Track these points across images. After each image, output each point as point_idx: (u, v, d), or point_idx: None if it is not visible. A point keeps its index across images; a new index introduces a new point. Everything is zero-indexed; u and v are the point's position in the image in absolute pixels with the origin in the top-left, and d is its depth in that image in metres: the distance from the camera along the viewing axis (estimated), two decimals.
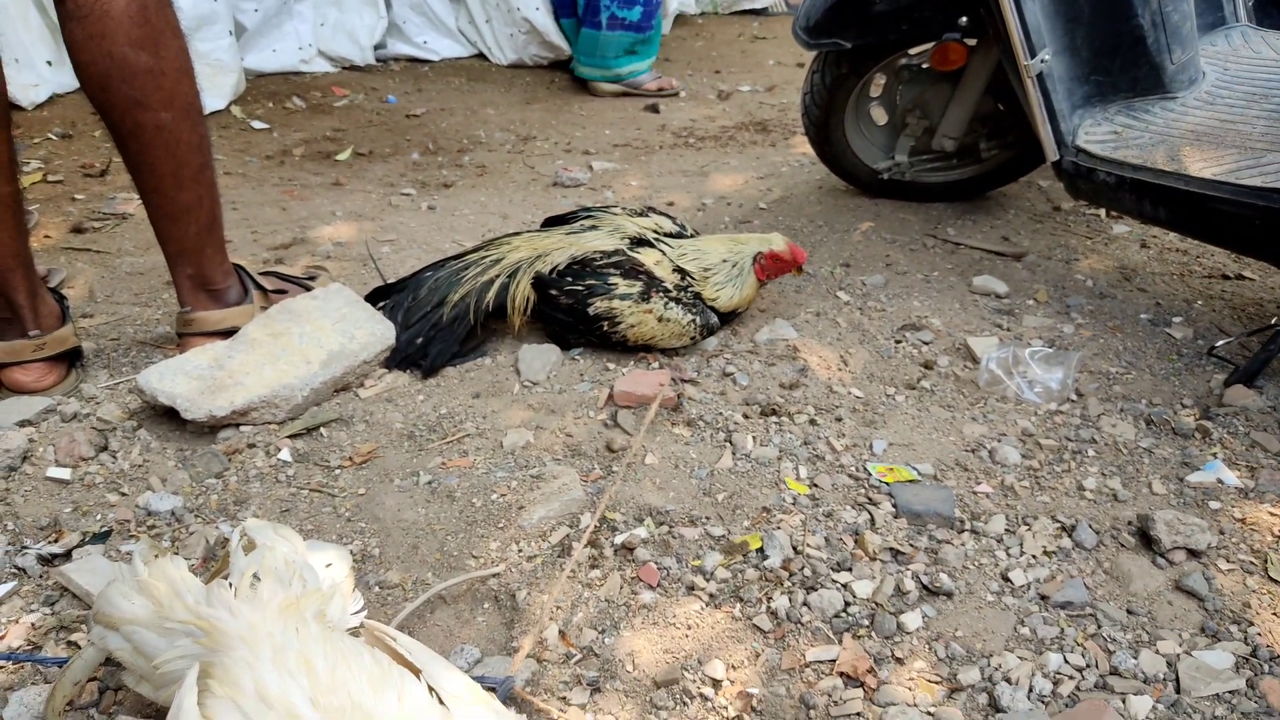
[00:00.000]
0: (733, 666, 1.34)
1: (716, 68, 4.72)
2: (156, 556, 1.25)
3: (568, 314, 2.08)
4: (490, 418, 1.90)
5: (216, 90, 3.76)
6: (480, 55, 4.77)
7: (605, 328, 2.06)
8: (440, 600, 1.46)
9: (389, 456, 1.80)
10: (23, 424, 1.82)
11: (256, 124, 3.73)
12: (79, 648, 1.35)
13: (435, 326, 2.09)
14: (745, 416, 1.88)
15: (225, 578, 1.22)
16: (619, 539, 1.56)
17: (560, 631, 1.40)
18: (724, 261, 2.13)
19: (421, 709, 1.01)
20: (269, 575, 1.18)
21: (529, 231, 2.29)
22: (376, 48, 4.57)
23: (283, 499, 1.68)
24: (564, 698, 1.29)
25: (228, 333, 2.03)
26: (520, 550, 1.55)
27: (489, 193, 3.19)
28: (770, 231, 2.39)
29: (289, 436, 1.84)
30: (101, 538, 1.57)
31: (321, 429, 1.87)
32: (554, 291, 2.08)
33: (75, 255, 2.61)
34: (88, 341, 2.13)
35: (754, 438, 1.81)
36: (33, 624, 1.40)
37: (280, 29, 4.25)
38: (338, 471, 1.76)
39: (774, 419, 1.87)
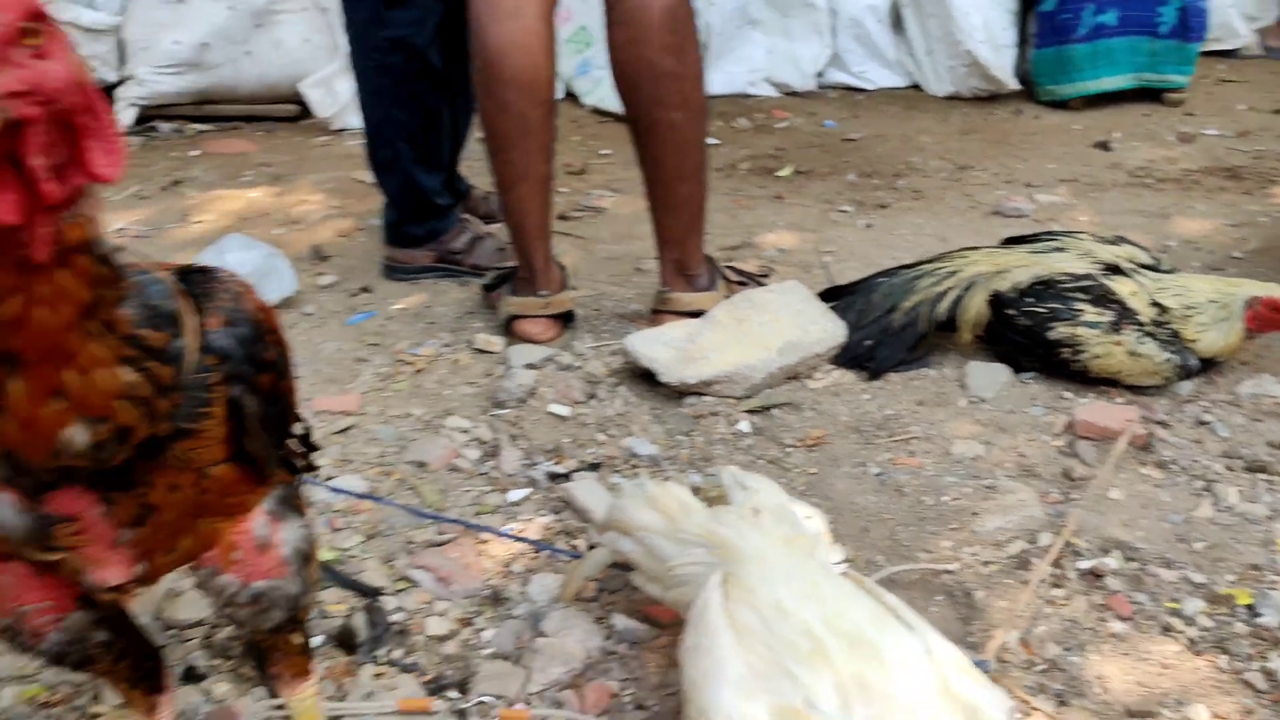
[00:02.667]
0: (1219, 716, 1.25)
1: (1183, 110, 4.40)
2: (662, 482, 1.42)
3: (1024, 335, 2.05)
4: (936, 425, 1.93)
5: None
6: (915, 86, 4.81)
7: (1065, 354, 2.00)
8: (891, 583, 1.51)
9: (837, 444, 1.88)
10: (529, 366, 2.13)
11: (709, 140, 4.05)
12: (577, 549, 1.56)
13: (885, 331, 2.15)
14: (1228, 469, 1.75)
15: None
16: (1084, 564, 1.52)
17: (1021, 640, 1.39)
18: (1211, 302, 1.99)
19: (919, 658, 1.06)
20: (767, 511, 1.30)
21: (989, 247, 2.28)
22: (817, 75, 4.76)
23: (742, 464, 1.81)
24: (1026, 701, 1.29)
25: (694, 314, 2.23)
26: (974, 554, 1.57)
27: (925, 216, 3.21)
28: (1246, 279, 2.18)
29: (746, 411, 1.98)
30: (593, 468, 1.80)
31: (774, 410, 2.00)
32: (1011, 311, 2.06)
33: (560, 238, 2.98)
34: (576, 308, 2.43)
35: (1239, 492, 1.68)
36: (544, 525, 1.64)
37: (734, 54, 4.57)
38: (790, 450, 1.87)
39: (1262, 476, 1.72)
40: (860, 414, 1.98)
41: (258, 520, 0.88)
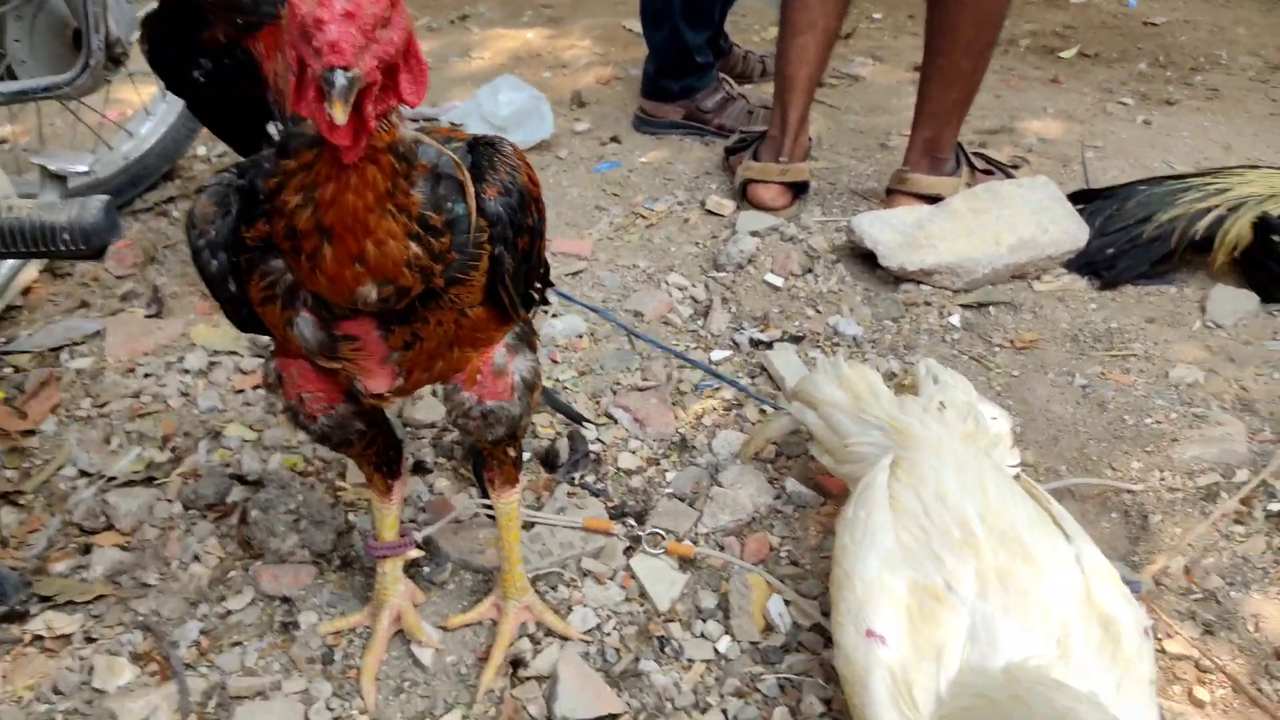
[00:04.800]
0: None
1: None
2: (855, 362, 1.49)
3: None
4: (1161, 346, 1.85)
5: None
6: None
7: None
8: (1068, 494, 1.53)
9: (1048, 351, 1.86)
10: (753, 234, 2.21)
11: None
12: (765, 415, 1.67)
13: (1132, 241, 2.04)
14: None
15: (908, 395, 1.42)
16: (1274, 506, 1.46)
17: (1185, 568, 1.39)
18: None
19: (1067, 564, 1.11)
20: (953, 407, 1.35)
21: (1269, 167, 2.08)
22: None
23: (944, 357, 1.84)
24: (1170, 624, 1.30)
25: (931, 198, 2.21)
26: (1162, 479, 1.54)
27: (1215, 119, 2.91)
28: None
29: (961, 305, 1.98)
30: (796, 340, 1.88)
31: (990, 307, 1.98)
32: (1278, 237, 1.90)
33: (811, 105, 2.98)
34: (811, 180, 2.46)
35: None
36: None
37: None
38: (997, 349, 1.87)
39: None
40: (1081, 323, 1.93)
41: (498, 351, 1.06)
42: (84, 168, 1.38)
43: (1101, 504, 1.51)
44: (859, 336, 1.89)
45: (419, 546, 1.32)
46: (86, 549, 1.45)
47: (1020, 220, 2.07)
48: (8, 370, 1.86)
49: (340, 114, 0.71)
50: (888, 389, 1.41)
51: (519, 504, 1.25)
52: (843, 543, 1.18)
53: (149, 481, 1.58)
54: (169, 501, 1.53)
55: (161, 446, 1.65)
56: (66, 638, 1.32)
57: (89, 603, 1.37)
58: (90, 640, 1.31)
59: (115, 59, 1.75)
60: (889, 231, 2.08)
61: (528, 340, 1.10)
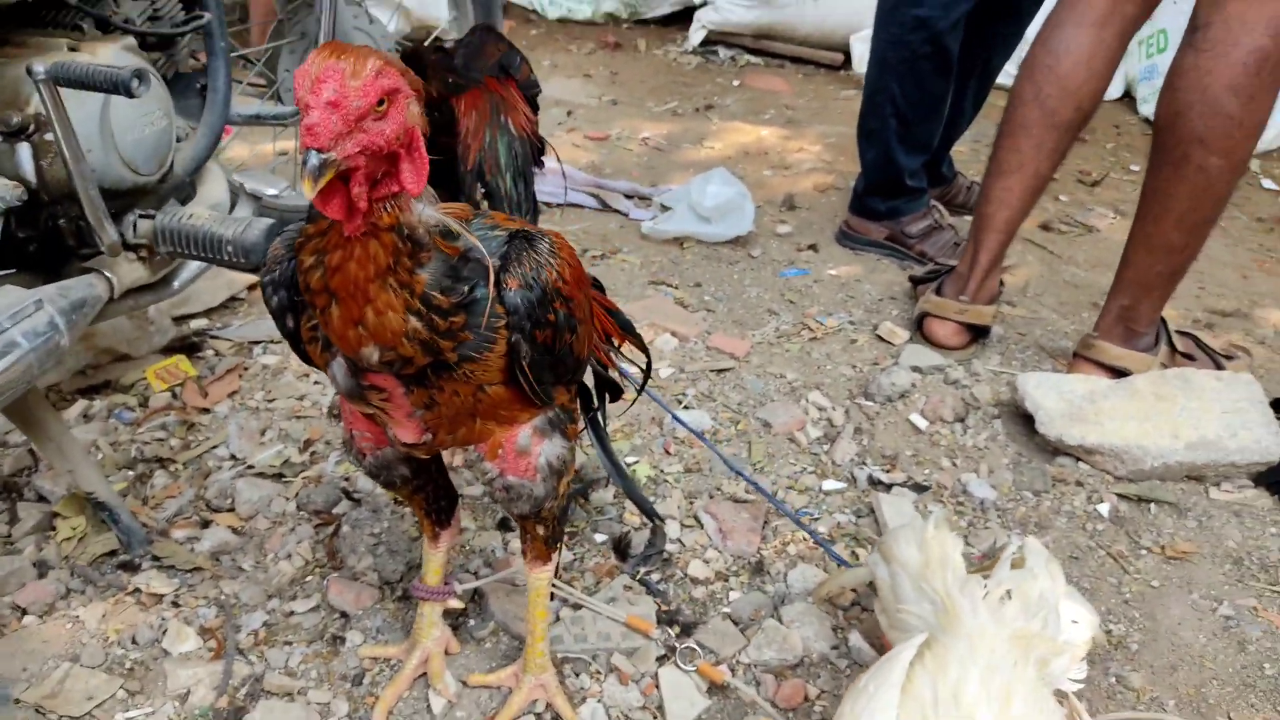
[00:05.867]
0: None
1: None
2: (948, 527, 1.41)
3: None
4: None
5: None
6: None
7: None
8: None
9: (1201, 568, 1.66)
10: (914, 369, 2.14)
11: (1267, 183, 3.48)
12: (857, 559, 1.61)
13: None
14: None
15: (985, 578, 1.33)
16: None
17: None
18: None
19: None
20: (1020, 599, 1.25)
21: None
22: None
23: (1078, 545, 1.69)
24: None
25: (1118, 371, 2.05)
26: None
27: None
28: None
29: (1117, 494, 1.82)
30: (919, 489, 1.80)
31: (1151, 504, 1.80)
32: None
33: (1030, 248, 2.85)
34: (999, 326, 2.35)
35: None
36: (838, 522, 1.70)
37: None
38: (1143, 552, 1.70)
39: None
40: (1252, 545, 1.71)
41: (523, 431, 1.11)
42: (274, 191, 1.57)
43: None
44: (988, 501, 1.78)
45: (460, 598, 1.37)
46: (205, 524, 1.63)
47: (1208, 416, 1.88)
48: (209, 352, 2.12)
49: (309, 189, 0.79)
50: (962, 562, 1.32)
51: (548, 581, 1.28)
52: (843, 709, 1.12)
53: (278, 477, 1.74)
54: (286, 499, 1.68)
55: (302, 449, 1.82)
56: (159, 597, 1.48)
57: (188, 572, 1.53)
58: (175, 605, 1.47)
59: None
60: (1054, 398, 1.94)
61: (561, 426, 1.14)
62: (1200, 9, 1.84)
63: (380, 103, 0.82)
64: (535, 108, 1.71)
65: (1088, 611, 1.34)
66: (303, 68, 0.82)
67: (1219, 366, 2.15)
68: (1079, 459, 1.89)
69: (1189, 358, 2.14)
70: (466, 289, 0.95)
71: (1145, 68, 3.86)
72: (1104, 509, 1.78)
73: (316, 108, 0.80)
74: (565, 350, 1.07)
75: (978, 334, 2.27)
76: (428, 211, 0.93)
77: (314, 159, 0.79)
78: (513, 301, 0.99)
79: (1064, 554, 1.67)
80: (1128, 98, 4.08)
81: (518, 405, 1.08)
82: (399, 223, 0.89)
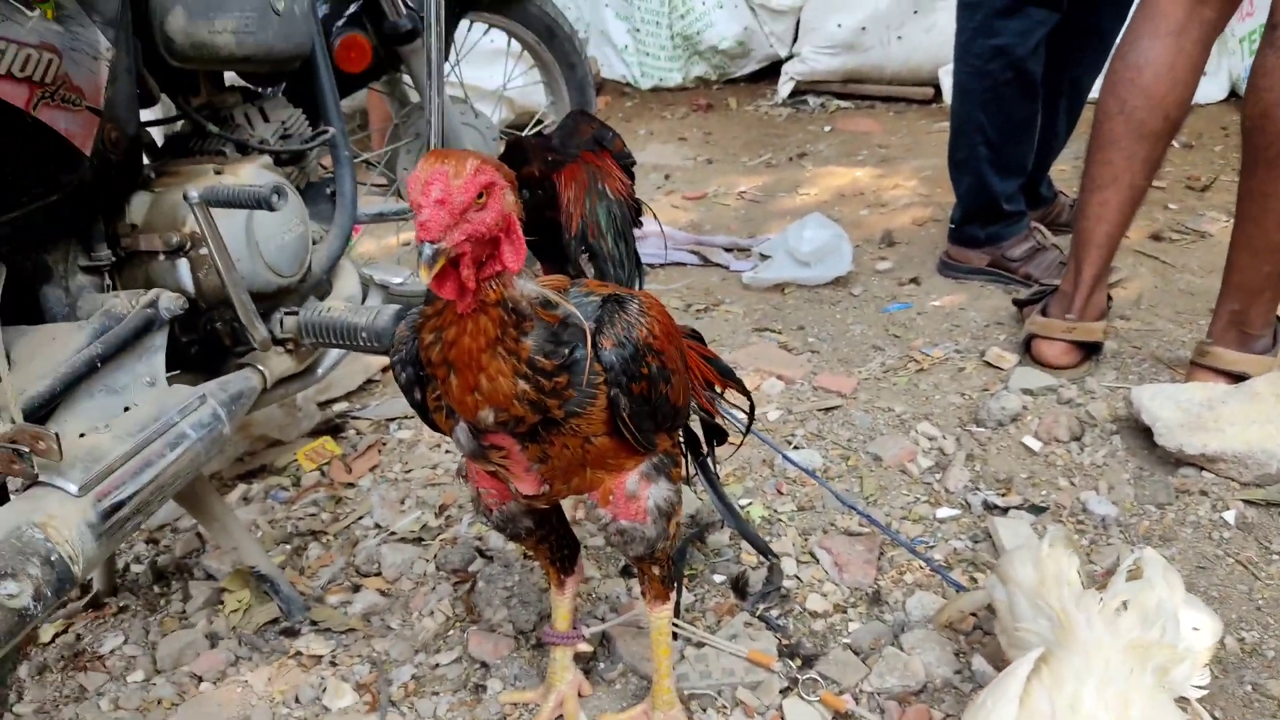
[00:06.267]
0: None
1: None
2: (1065, 545, 1.42)
3: None
4: None
5: None
6: None
7: None
8: None
9: None
10: (1025, 391, 2.14)
11: None
12: (975, 584, 1.62)
13: None
14: None
15: (1101, 591, 1.33)
16: None
17: None
18: None
19: None
20: (1136, 610, 1.25)
21: None
22: None
23: (1205, 555, 1.66)
24: None
25: (1237, 376, 2.01)
26: None
27: None
28: None
29: (1243, 500, 1.78)
30: (1036, 510, 1.80)
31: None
32: None
33: (1142, 260, 2.80)
34: (1111, 341, 2.32)
35: None
36: (955, 549, 1.72)
37: None
38: (1274, 557, 1.65)
39: None
40: None
41: (631, 477, 1.20)
42: (399, 280, 1.73)
43: None
44: (1109, 518, 1.76)
45: (589, 642, 1.46)
46: (356, 588, 1.77)
47: None
48: (351, 431, 2.30)
49: (425, 275, 0.92)
50: (1078, 577, 1.33)
51: (668, 620, 1.35)
52: None
53: (418, 541, 1.88)
54: (426, 561, 1.82)
55: (438, 514, 1.96)
56: (318, 658, 1.62)
57: (343, 633, 1.66)
58: (333, 664, 1.60)
59: None
60: (1171, 408, 1.92)
61: (666, 471, 1.22)
62: (1276, 8, 1.83)
63: (480, 196, 0.94)
64: (631, 176, 1.84)
65: (1209, 618, 1.33)
66: (414, 174, 0.95)
67: None
68: (1202, 468, 1.86)
69: None
70: (567, 351, 1.06)
71: (1250, 66, 3.74)
72: (1230, 516, 1.74)
73: (427, 206, 0.92)
74: (661, 399, 1.16)
75: (1089, 351, 2.25)
76: (528, 285, 1.04)
77: (428, 249, 0.92)
78: (609, 359, 1.09)
79: (1191, 564, 1.64)
80: (1234, 97, 3.96)
81: (623, 453, 1.17)
82: (503, 298, 1.00)
